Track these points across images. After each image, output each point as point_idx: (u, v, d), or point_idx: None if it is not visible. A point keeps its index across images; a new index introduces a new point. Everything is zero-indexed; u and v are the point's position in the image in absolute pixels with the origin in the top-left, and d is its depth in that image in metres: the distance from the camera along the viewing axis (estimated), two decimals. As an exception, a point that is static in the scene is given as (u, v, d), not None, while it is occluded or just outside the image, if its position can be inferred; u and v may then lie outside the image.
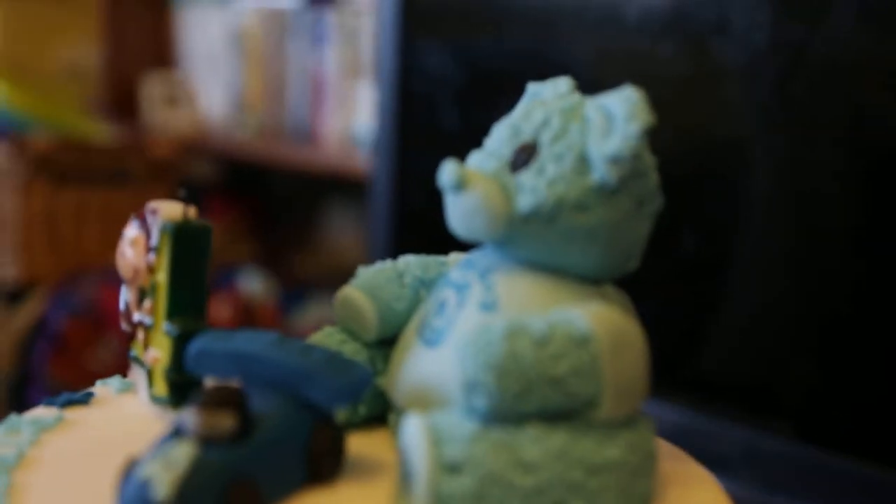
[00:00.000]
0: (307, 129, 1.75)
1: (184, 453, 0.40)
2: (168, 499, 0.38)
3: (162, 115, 1.97)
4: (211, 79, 1.97)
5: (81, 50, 1.97)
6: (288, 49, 1.79)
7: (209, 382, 0.47)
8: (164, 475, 0.39)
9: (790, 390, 0.90)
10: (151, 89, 2.00)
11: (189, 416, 0.41)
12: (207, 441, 0.41)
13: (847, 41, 0.81)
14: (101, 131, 1.88)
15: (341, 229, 1.89)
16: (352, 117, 1.65)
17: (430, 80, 1.30)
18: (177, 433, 0.42)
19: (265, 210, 1.99)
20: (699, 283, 0.95)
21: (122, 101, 2.03)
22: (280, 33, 1.81)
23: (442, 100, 1.29)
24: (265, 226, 1.97)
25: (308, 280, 1.86)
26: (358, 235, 1.83)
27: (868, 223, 0.83)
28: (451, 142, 1.21)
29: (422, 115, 1.31)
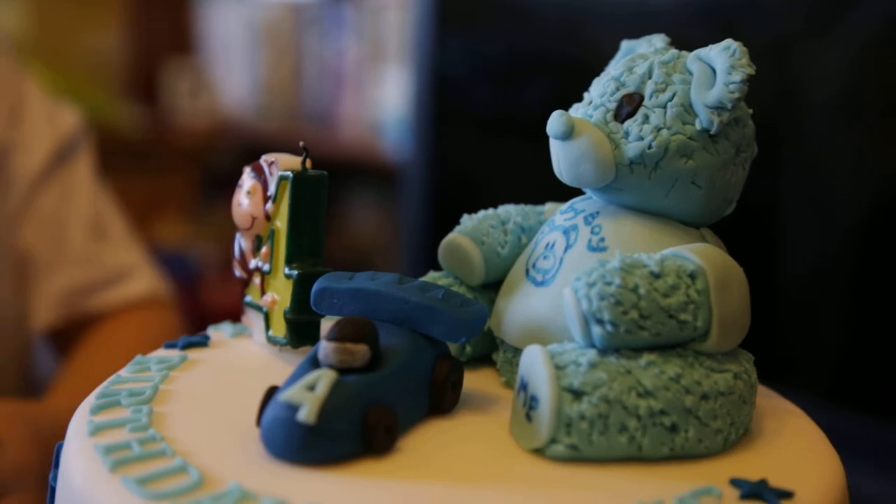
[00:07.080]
0: (328, 115, 1.77)
1: (325, 379, 0.42)
2: (314, 420, 0.41)
3: (184, 103, 1.99)
4: (232, 67, 1.99)
5: (105, 37, 1.99)
6: (309, 37, 1.81)
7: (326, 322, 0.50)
8: (308, 398, 0.41)
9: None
10: (173, 77, 2.02)
11: (326, 348, 0.43)
12: (344, 370, 0.43)
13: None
14: (129, 115, 1.90)
15: (362, 211, 1.91)
16: (374, 104, 1.67)
17: (462, 66, 1.32)
18: (313, 364, 0.44)
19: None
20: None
21: (144, 88, 2.05)
22: (301, 21, 1.82)
23: (475, 85, 1.31)
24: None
25: (331, 259, 1.88)
26: (378, 217, 1.85)
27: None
28: (483, 126, 1.23)
29: (454, 100, 1.33)
